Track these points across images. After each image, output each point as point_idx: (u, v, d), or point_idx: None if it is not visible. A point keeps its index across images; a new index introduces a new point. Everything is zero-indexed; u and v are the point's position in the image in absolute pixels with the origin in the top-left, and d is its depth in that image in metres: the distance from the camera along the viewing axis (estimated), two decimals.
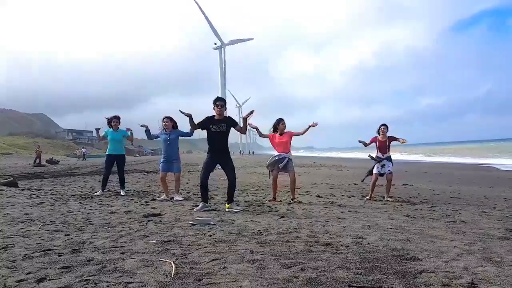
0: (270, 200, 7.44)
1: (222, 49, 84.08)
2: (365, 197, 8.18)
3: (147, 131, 7.73)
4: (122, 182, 8.64)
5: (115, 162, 8.55)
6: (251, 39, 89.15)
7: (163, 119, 7.73)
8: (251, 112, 6.44)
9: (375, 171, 8.06)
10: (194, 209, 6.12)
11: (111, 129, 8.50)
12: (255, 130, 7.44)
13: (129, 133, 8.62)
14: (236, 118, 6.58)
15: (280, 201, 7.43)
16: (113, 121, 8.48)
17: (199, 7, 79.42)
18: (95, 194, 8.26)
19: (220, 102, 6.20)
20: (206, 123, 6.21)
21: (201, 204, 6.22)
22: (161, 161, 7.80)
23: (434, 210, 6.48)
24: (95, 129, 8.78)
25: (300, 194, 8.62)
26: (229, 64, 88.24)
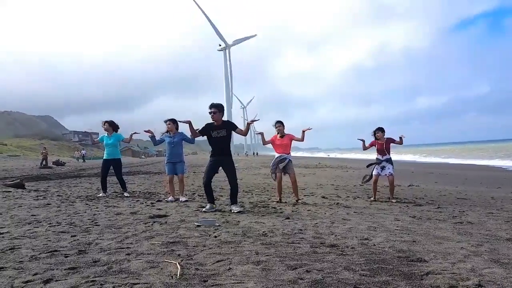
0: (277, 202, 7.44)
1: (227, 50, 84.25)
2: (371, 198, 8.15)
3: (153, 137, 7.84)
4: (122, 185, 8.79)
5: (112, 166, 8.65)
6: (254, 35, 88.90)
7: (166, 121, 7.80)
8: (255, 120, 7.10)
9: (374, 172, 8.03)
10: (202, 210, 6.17)
11: (105, 134, 8.64)
12: (260, 135, 7.66)
13: (123, 136, 8.76)
14: (240, 118, 6.75)
15: (285, 202, 7.42)
16: (105, 125, 8.60)
17: (202, 11, 79.68)
18: (98, 196, 8.34)
19: (213, 109, 6.24)
20: (207, 130, 6.31)
21: (208, 205, 6.29)
22: (166, 163, 7.87)
23: (440, 211, 6.43)
24: (86, 131, 8.91)
25: (305, 195, 8.61)
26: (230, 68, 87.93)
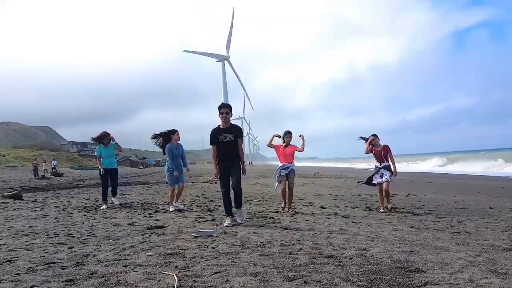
0: (282, 208, 7.60)
1: (226, 61, 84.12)
2: (369, 208, 8.15)
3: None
4: (114, 191, 8.95)
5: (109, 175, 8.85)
6: (252, 109, 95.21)
7: (175, 132, 7.93)
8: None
9: (375, 181, 8.04)
10: (224, 224, 5.71)
11: (102, 146, 8.76)
12: (273, 139, 7.80)
13: (114, 142, 8.89)
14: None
15: (283, 212, 7.42)
16: (106, 138, 8.75)
17: (232, 15, 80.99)
18: (101, 208, 8.19)
19: (224, 109, 5.80)
20: (215, 137, 5.90)
21: (228, 220, 5.80)
22: (168, 174, 7.93)
23: (438, 221, 6.43)
24: (100, 172, 8.89)
25: (303, 205, 8.60)
26: (217, 79, 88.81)
